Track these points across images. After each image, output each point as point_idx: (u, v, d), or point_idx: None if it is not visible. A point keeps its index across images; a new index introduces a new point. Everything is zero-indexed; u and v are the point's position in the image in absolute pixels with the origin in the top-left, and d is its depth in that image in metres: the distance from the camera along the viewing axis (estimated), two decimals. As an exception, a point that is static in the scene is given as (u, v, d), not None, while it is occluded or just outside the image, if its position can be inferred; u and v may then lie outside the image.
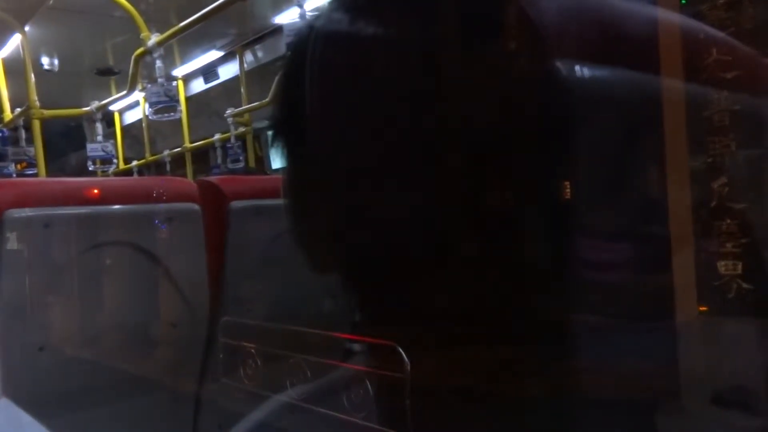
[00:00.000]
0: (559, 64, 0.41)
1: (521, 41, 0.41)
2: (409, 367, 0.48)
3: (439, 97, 0.42)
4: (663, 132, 0.39)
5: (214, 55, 5.62)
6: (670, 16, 0.40)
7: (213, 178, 2.25)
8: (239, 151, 5.28)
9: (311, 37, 0.47)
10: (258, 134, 5.49)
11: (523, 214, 0.42)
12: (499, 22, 0.41)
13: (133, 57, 3.74)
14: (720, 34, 0.37)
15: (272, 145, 0.53)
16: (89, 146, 4.99)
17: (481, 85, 0.41)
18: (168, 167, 6.06)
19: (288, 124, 0.51)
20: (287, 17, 4.49)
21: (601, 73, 0.42)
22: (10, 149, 4.74)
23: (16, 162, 4.83)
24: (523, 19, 0.41)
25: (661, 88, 0.40)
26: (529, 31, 0.41)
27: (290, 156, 0.51)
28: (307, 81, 0.46)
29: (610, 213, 0.42)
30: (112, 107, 5.59)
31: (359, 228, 0.47)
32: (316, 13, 0.60)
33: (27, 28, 4.27)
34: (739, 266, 0.37)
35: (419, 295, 0.45)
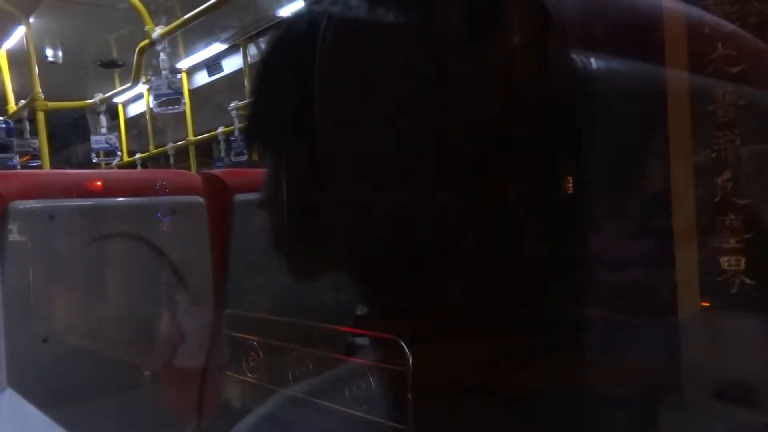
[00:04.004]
0: (573, 55, 0.40)
1: (536, 32, 0.41)
2: (410, 360, 0.48)
3: (452, 90, 0.42)
4: (668, 126, 0.39)
5: (218, 47, 5.61)
6: (675, 9, 0.40)
7: (217, 171, 2.25)
8: (243, 144, 5.27)
9: (322, 28, 0.46)
10: (262, 127, 5.44)
11: (530, 210, 0.42)
12: (512, 13, 0.41)
13: (137, 49, 3.74)
14: (725, 28, 0.37)
15: (251, 146, 0.52)
16: (93, 138, 4.99)
17: (498, 78, 0.41)
18: (172, 160, 6.06)
19: (285, 122, 0.51)
20: (291, 10, 4.48)
21: (615, 65, 0.42)
22: (14, 141, 4.74)
23: (21, 154, 4.84)
24: (537, 10, 0.41)
25: (666, 81, 0.39)
26: (544, 23, 0.41)
27: (292, 153, 0.51)
28: (318, 74, 0.45)
29: (619, 208, 0.42)
30: (115, 99, 5.60)
31: (373, 221, 0.46)
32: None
33: (31, 20, 4.26)
34: (743, 262, 0.37)
35: (427, 291, 0.45)
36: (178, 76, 4.51)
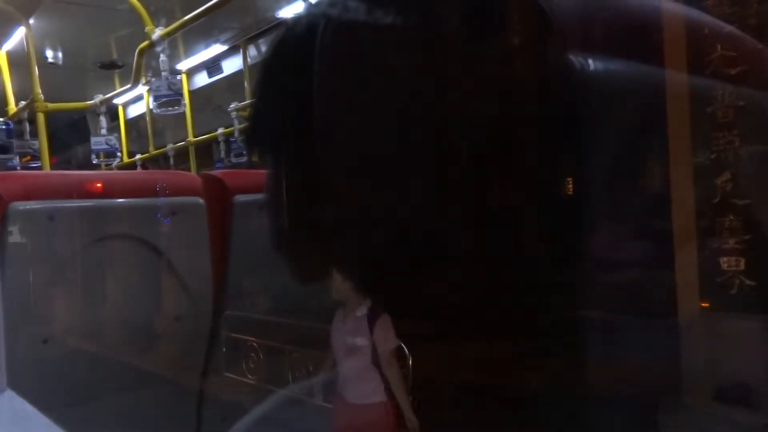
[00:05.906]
0: (573, 57, 0.40)
1: (534, 35, 0.41)
2: (411, 362, 0.48)
3: (450, 91, 0.42)
4: (668, 127, 0.39)
5: (218, 48, 5.60)
6: (674, 11, 0.40)
7: (217, 172, 2.25)
8: (243, 145, 5.26)
9: (321, 31, 0.46)
10: (261, 128, 5.43)
11: (530, 211, 0.42)
12: (511, 16, 0.41)
13: (137, 50, 3.74)
14: (725, 29, 0.37)
15: (252, 147, 0.52)
16: (93, 140, 5.00)
17: (496, 79, 0.41)
18: (171, 161, 6.05)
19: (286, 127, 0.51)
20: (291, 11, 4.47)
21: (615, 67, 0.42)
22: (14, 142, 4.74)
23: (21, 155, 4.84)
24: (536, 13, 0.41)
25: (665, 83, 0.40)
26: (542, 25, 0.41)
27: (295, 157, 0.51)
28: (318, 76, 0.45)
29: (619, 209, 0.42)
30: (115, 101, 5.59)
31: (374, 222, 0.46)
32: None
33: (31, 21, 4.26)
34: (742, 263, 0.37)
35: (426, 292, 0.45)
36: (178, 77, 4.51)
